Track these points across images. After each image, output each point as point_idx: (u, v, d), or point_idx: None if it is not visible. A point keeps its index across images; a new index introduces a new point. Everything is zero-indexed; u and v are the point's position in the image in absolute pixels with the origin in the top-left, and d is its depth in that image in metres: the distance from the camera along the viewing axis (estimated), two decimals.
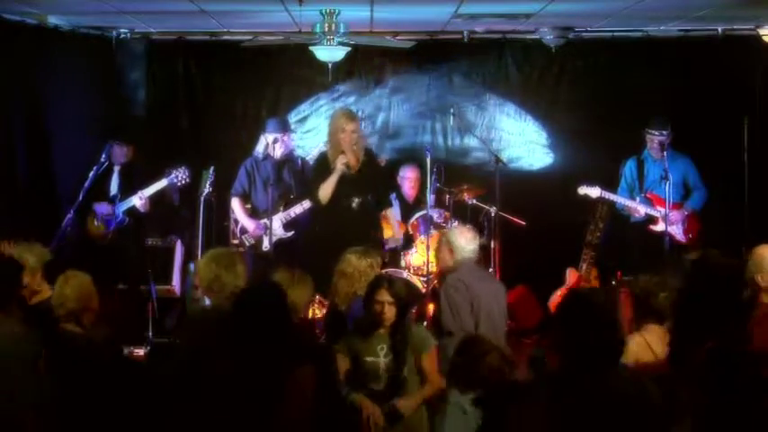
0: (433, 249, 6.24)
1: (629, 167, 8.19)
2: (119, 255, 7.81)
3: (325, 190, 7.28)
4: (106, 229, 7.81)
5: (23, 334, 4.74)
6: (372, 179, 7.47)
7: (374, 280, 5.33)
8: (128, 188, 7.84)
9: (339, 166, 7.24)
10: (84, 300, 5.14)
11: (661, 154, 7.83)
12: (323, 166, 7.41)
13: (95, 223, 7.85)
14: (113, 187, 7.92)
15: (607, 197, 7.99)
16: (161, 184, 7.71)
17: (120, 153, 7.95)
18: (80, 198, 7.47)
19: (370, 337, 5.08)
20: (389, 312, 5.05)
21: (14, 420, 4.59)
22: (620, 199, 8.05)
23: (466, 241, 5.96)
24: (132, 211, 7.80)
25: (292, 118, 9.19)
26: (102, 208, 7.80)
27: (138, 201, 7.72)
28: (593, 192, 7.95)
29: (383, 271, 6.50)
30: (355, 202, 7.35)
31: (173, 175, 7.67)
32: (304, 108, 9.47)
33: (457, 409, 4.76)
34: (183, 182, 7.74)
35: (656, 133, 7.95)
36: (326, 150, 7.48)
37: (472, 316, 5.72)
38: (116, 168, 7.98)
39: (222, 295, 4.90)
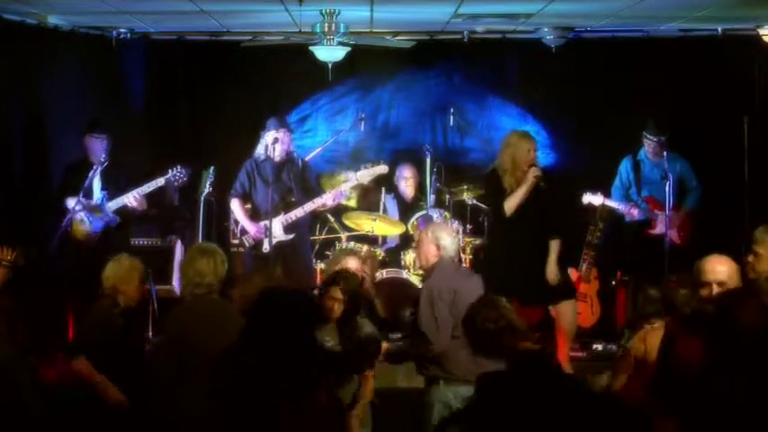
0: (417, 244, 5.96)
1: (624, 166, 8.21)
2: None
3: (514, 201, 7.01)
4: (93, 230, 7.54)
5: None
6: (549, 201, 7.21)
7: (329, 277, 5.56)
8: (113, 186, 7.59)
9: (531, 177, 7.01)
10: (121, 281, 5.57)
11: (658, 156, 7.87)
12: (495, 181, 7.15)
13: (80, 225, 7.54)
14: (96, 189, 7.62)
15: (609, 204, 8.03)
16: (158, 182, 7.55)
17: (100, 148, 7.60)
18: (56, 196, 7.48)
19: (319, 329, 5.11)
20: (339, 309, 5.26)
21: None
22: (619, 205, 8.08)
23: (452, 240, 5.81)
24: (123, 210, 7.58)
25: (292, 118, 9.18)
26: (83, 207, 7.48)
27: (131, 200, 7.48)
28: (596, 199, 7.98)
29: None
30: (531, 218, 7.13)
31: (170, 174, 7.51)
32: (305, 108, 9.48)
33: (442, 405, 5.04)
34: (181, 181, 7.58)
35: (655, 139, 7.97)
36: (496, 167, 7.17)
37: (454, 329, 5.46)
38: (96, 168, 7.60)
39: (202, 287, 4.98)
